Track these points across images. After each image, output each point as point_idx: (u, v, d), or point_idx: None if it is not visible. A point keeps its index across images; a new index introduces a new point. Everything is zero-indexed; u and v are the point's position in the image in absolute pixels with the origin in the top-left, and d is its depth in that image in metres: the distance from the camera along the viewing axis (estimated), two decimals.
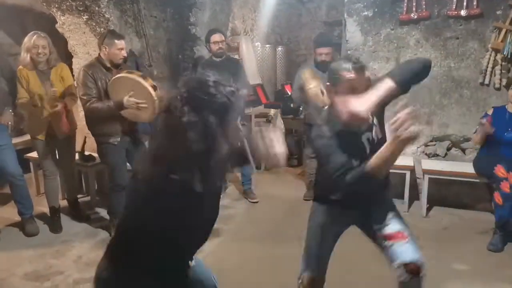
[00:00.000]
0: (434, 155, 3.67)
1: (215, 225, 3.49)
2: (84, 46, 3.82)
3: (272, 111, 5.11)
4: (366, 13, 3.75)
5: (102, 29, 3.64)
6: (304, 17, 7.17)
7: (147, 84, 2.66)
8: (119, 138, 2.87)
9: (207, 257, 2.76)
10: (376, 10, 3.72)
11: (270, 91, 6.20)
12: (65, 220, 3.27)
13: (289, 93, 5.85)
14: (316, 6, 7.04)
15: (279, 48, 6.70)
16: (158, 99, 2.66)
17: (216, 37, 3.57)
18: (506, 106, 3.04)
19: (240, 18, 5.94)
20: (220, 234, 3.12)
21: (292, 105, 5.28)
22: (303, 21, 7.19)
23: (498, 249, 2.75)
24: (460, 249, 2.78)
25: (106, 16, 3.62)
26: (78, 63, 3.75)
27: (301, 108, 5.22)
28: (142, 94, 2.66)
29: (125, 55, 2.90)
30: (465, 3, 3.36)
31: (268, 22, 6.50)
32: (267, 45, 6.41)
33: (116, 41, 2.81)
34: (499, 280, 2.41)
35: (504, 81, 3.32)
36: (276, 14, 6.53)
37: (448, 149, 3.63)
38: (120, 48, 2.83)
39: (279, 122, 5.18)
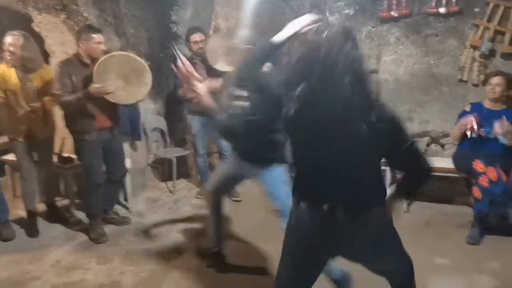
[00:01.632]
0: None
1: (198, 225, 3.44)
2: (62, 46, 3.74)
3: None
4: (347, 11, 3.78)
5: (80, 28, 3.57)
6: (288, 15, 7.17)
7: (132, 54, 2.72)
8: (95, 135, 2.83)
9: (192, 258, 2.74)
10: (357, 8, 3.74)
11: None
12: (42, 223, 3.19)
13: None
14: (299, 4, 7.03)
15: None
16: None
17: (195, 36, 3.53)
18: (483, 102, 3.09)
19: (222, 17, 5.89)
20: (203, 235, 3.09)
21: None
22: (287, 19, 7.17)
23: (476, 242, 2.79)
24: (440, 243, 2.81)
25: (84, 15, 3.55)
26: (56, 63, 3.68)
27: None
28: (133, 67, 2.68)
29: (104, 48, 2.85)
30: (444, 1, 3.40)
31: (250, 20, 6.47)
32: None
33: (93, 35, 2.77)
34: (478, 272, 2.45)
35: (482, 78, 3.37)
36: (259, 12, 6.51)
37: (428, 145, 3.67)
38: (98, 41, 2.78)
39: None
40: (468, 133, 2.98)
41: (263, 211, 3.52)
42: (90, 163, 2.89)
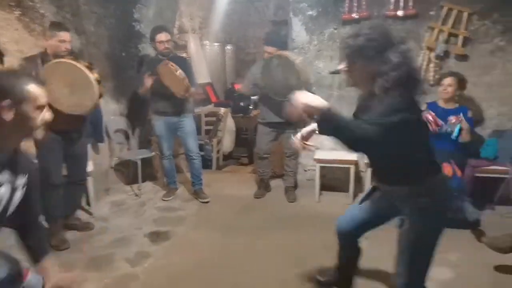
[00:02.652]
0: None
1: (165, 228, 3.38)
2: (16, 44, 3.53)
3: (222, 110, 5.08)
4: (310, 12, 3.84)
5: (36, 25, 3.41)
6: (253, 16, 7.20)
7: (80, 65, 2.55)
8: (51, 136, 2.71)
9: (157, 262, 2.69)
10: (320, 10, 3.81)
11: (220, 90, 6.17)
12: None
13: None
14: (264, 5, 7.10)
15: (228, 47, 6.68)
16: (96, 81, 2.58)
17: (161, 36, 3.46)
18: (438, 102, 3.25)
19: (187, 16, 5.83)
20: (170, 237, 3.05)
21: (242, 104, 5.28)
22: (252, 20, 7.22)
23: None
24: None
25: (41, 11, 3.40)
26: (11, 62, 3.48)
27: (250, 106, 5.24)
28: (78, 78, 2.55)
29: (69, 47, 2.74)
30: (401, 4, 3.54)
31: (216, 21, 6.46)
32: (216, 44, 6.37)
33: (57, 32, 2.68)
34: (439, 265, 2.53)
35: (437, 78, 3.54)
36: (224, 13, 6.50)
37: None
38: (62, 40, 2.68)
39: (230, 121, 5.17)
40: (431, 128, 3.12)
41: (231, 210, 3.54)
42: (45, 164, 2.75)
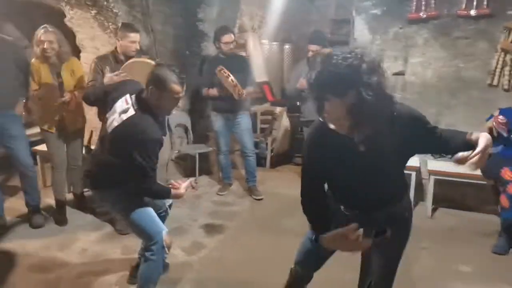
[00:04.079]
0: (440, 156, 3.63)
1: (219, 221, 3.48)
2: (92, 41, 3.84)
3: (278, 109, 5.10)
4: (374, 11, 3.73)
5: (110, 23, 3.66)
6: (313, 15, 7.12)
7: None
8: None
9: (210, 253, 2.79)
10: (384, 8, 3.69)
11: (276, 88, 6.18)
12: (70, 213, 3.29)
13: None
14: (324, 3, 7.00)
15: (287, 46, 6.67)
16: None
17: (227, 38, 3.56)
18: None
19: (247, 15, 5.92)
20: (223, 231, 3.13)
21: (298, 103, 5.26)
22: (312, 18, 7.14)
23: (503, 251, 2.73)
24: (464, 251, 2.76)
25: (114, 11, 3.64)
26: (86, 58, 3.78)
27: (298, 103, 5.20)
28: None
29: (138, 48, 2.93)
30: (475, 3, 3.33)
31: (276, 20, 6.48)
32: (274, 43, 6.39)
33: (128, 33, 2.86)
34: (503, 282, 2.39)
35: None
36: (284, 12, 6.50)
37: None
38: (132, 41, 2.86)
39: (285, 120, 5.17)
40: (496, 129, 2.89)
41: (283, 209, 3.55)
42: None
